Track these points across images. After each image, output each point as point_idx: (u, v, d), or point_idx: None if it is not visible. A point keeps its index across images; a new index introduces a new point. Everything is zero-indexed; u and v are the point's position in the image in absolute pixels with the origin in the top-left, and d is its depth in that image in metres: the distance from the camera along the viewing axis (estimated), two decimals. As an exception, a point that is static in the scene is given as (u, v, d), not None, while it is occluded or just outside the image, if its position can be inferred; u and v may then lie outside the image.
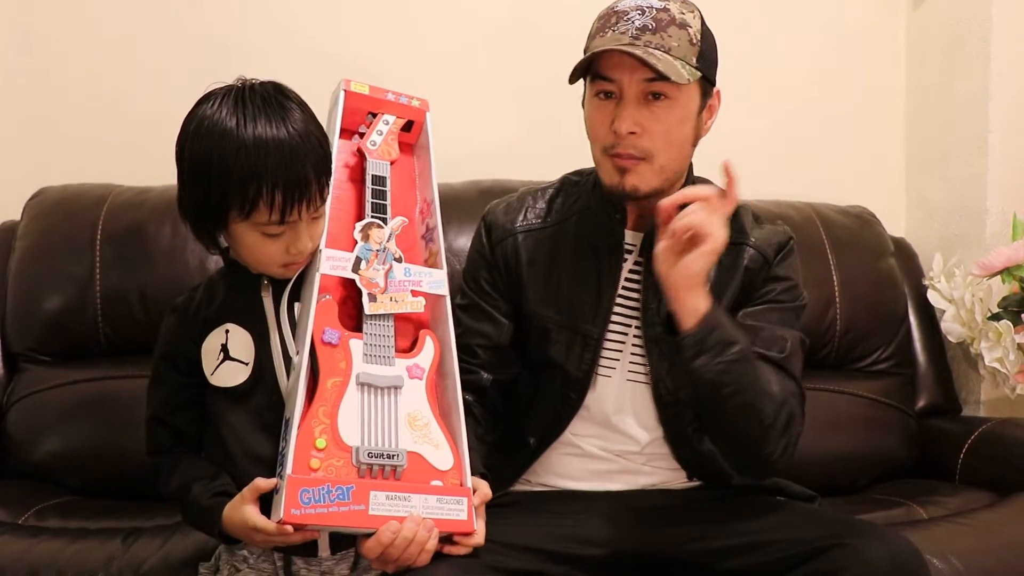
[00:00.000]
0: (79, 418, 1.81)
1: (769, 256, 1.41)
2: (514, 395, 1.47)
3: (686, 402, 1.36)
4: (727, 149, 1.42)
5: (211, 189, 1.14)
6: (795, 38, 2.30)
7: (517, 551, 1.30)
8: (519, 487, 1.46)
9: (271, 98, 1.16)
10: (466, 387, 1.35)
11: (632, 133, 1.29)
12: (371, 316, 1.19)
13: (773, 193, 2.11)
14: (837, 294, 2.00)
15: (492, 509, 1.25)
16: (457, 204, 1.95)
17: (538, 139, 2.19)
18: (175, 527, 1.49)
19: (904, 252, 2.16)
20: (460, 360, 1.29)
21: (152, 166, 1.97)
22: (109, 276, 1.86)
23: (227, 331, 1.21)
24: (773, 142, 2.26)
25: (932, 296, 2.05)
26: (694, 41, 1.30)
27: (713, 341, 1.24)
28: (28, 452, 1.80)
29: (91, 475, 1.78)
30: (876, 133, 2.34)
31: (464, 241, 1.90)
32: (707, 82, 1.34)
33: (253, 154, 1.11)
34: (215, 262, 1.86)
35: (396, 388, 1.17)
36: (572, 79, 1.32)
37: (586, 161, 1.42)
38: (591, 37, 1.33)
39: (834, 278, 2.00)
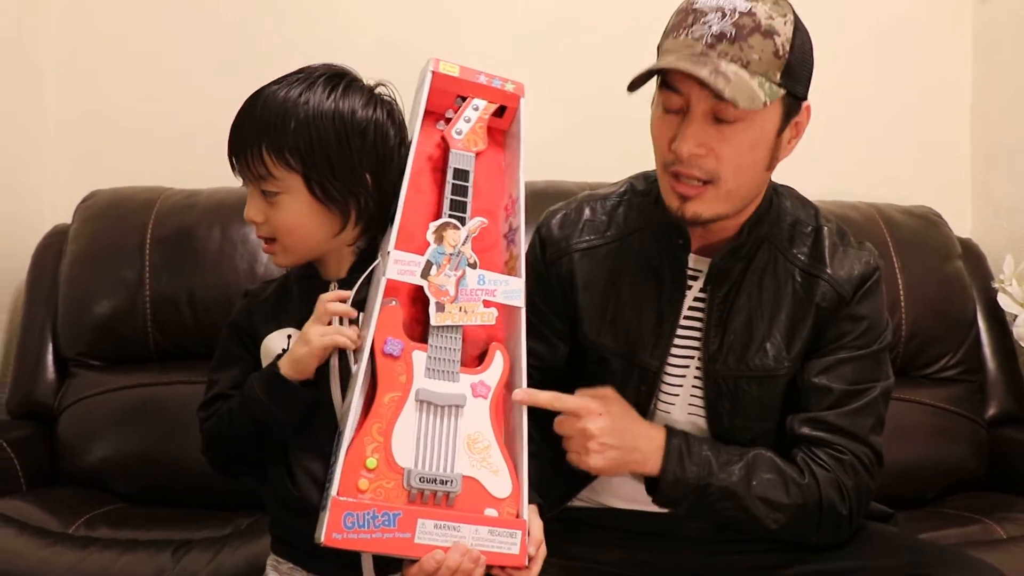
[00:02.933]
0: (128, 425, 1.80)
1: (846, 294, 1.27)
2: None
3: (746, 442, 1.29)
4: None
5: None
6: (858, 32, 2.21)
7: (576, 574, 1.26)
8: (577, 503, 1.40)
9: (321, 71, 1.17)
10: None
11: (695, 155, 1.16)
12: (437, 327, 1.13)
13: (834, 193, 2.05)
14: (902, 298, 1.92)
15: (549, 525, 1.19)
16: (509, 206, 1.91)
17: (597, 137, 2.13)
18: (225, 540, 1.48)
19: (972, 254, 2.07)
20: None
21: (202, 168, 1.96)
22: (159, 280, 1.85)
23: (289, 336, 1.17)
24: (834, 140, 2.15)
25: (1003, 300, 1.97)
26: (780, 53, 1.13)
27: (681, 495, 1.21)
28: (79, 458, 1.80)
29: (140, 482, 1.78)
30: (941, 130, 2.25)
31: (518, 246, 1.86)
32: (793, 99, 1.18)
33: (248, 102, 1.16)
34: (264, 267, 1.85)
35: (458, 407, 1.11)
36: (631, 88, 1.19)
37: (650, 162, 1.33)
38: (665, 35, 1.21)
39: (899, 282, 1.93)
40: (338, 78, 1.17)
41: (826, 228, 1.32)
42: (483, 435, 1.12)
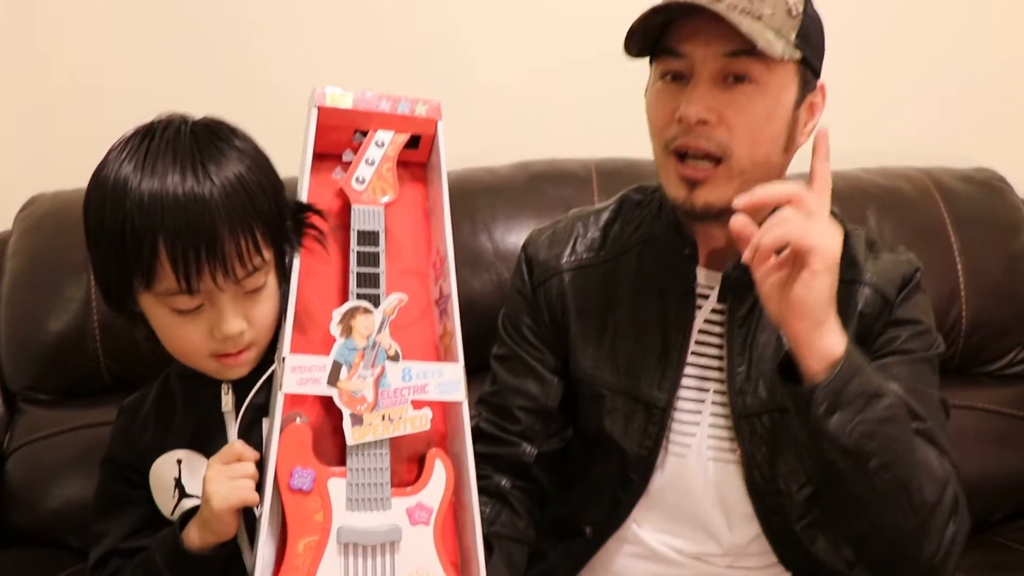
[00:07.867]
0: (83, 470, 1.59)
1: (890, 295, 1.11)
2: (565, 468, 1.20)
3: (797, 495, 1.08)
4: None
5: (107, 252, 0.91)
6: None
7: None
8: None
9: (186, 142, 0.91)
10: (502, 466, 1.12)
11: (703, 122, 1.01)
12: (356, 446, 0.89)
13: (879, 156, 1.79)
14: (962, 284, 1.66)
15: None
16: (504, 194, 1.68)
17: (599, 112, 1.85)
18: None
19: (1045, 226, 1.79)
20: (496, 427, 1.10)
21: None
22: (106, 302, 1.64)
23: (179, 461, 0.95)
24: (875, 92, 1.89)
25: (1081, 280, 1.69)
26: (793, 12, 1.01)
27: (853, 393, 0.92)
28: (29, 510, 1.61)
29: (97, 536, 1.59)
30: (1005, 77, 1.93)
31: (513, 240, 1.63)
32: (808, 70, 1.06)
33: (148, 206, 0.87)
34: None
35: (393, 543, 0.89)
36: (629, 46, 1.02)
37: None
38: None
39: (958, 265, 1.66)
40: (219, 126, 0.95)
41: (853, 235, 1.13)
42: (429, 571, 0.89)
